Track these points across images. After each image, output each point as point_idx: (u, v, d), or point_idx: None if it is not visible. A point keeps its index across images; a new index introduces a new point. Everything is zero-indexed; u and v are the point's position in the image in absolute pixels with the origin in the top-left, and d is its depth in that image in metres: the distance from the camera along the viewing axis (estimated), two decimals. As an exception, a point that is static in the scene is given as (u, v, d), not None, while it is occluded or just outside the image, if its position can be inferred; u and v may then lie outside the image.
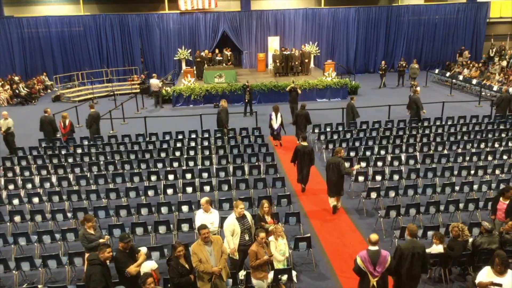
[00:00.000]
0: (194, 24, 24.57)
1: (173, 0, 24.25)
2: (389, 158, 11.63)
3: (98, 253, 5.97)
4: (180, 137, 13.40)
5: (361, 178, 10.37)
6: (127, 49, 24.93)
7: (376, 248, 5.92)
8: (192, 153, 12.13)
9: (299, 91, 16.21)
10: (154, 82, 19.64)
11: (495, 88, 19.43)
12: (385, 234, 8.73)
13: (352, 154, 11.85)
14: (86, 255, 6.82)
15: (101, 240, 6.98)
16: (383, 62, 22.99)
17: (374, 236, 5.96)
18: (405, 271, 6.13)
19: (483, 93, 18.88)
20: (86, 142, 13.21)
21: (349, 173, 9.52)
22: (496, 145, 12.41)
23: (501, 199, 7.82)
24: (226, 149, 12.53)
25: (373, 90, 21.82)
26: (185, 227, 8.31)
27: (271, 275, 6.64)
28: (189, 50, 23.59)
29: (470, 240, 7.21)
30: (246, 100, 17.28)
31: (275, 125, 13.67)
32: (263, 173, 10.94)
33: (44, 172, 11.15)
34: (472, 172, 10.57)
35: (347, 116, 14.49)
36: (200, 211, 7.46)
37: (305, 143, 10.17)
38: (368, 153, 11.91)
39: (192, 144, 12.85)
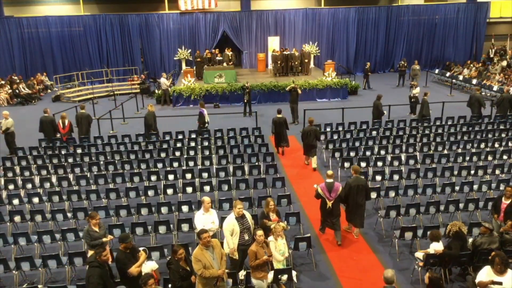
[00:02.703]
0: (194, 24, 24.57)
1: (173, 0, 24.25)
2: (389, 158, 11.63)
3: (95, 255, 5.98)
4: (180, 137, 13.41)
5: (361, 178, 10.37)
6: (127, 49, 24.93)
7: (331, 180, 8.28)
8: (192, 153, 12.13)
9: (299, 91, 16.21)
10: (163, 81, 19.74)
11: (495, 88, 19.43)
12: (385, 234, 8.73)
13: (352, 154, 11.84)
14: (89, 252, 6.84)
15: (104, 239, 7.00)
16: (368, 63, 22.87)
17: (330, 172, 8.38)
18: (353, 199, 8.35)
19: (483, 93, 18.88)
20: (86, 142, 13.21)
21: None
22: (496, 145, 12.41)
23: (503, 199, 7.83)
24: (226, 149, 12.53)
25: (373, 90, 21.80)
26: (185, 227, 8.31)
27: (271, 275, 6.64)
28: (189, 50, 23.58)
29: (470, 240, 7.22)
30: (245, 101, 17.27)
31: (209, 119, 14.19)
32: (263, 173, 10.95)
33: (44, 172, 11.15)
34: (472, 172, 10.56)
35: (420, 111, 14.96)
36: (200, 212, 7.46)
37: (280, 115, 12.79)
38: (368, 153, 11.91)
39: (192, 144, 12.85)
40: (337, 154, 11.91)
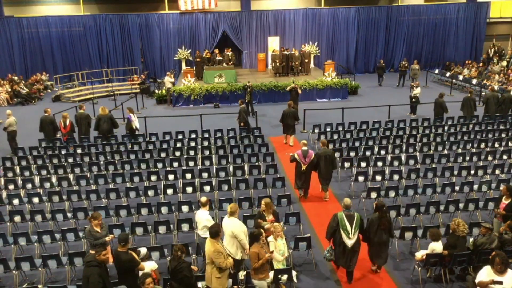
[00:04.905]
0: (194, 24, 24.55)
1: (173, 0, 24.25)
2: (389, 158, 11.63)
3: (94, 254, 5.98)
4: (180, 137, 13.40)
5: (361, 178, 10.37)
6: (127, 49, 24.92)
7: (306, 148, 10.01)
8: (192, 153, 12.12)
9: (299, 91, 16.21)
10: (167, 79, 19.79)
11: (495, 88, 19.39)
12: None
13: (352, 154, 11.84)
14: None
15: (106, 238, 7.02)
16: (381, 61, 23.24)
17: (304, 141, 10.17)
18: (322, 167, 10.04)
19: (483, 93, 18.86)
20: (86, 142, 13.21)
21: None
22: (496, 145, 12.41)
23: (503, 199, 7.84)
24: (226, 149, 12.54)
25: (373, 90, 21.82)
26: (185, 227, 8.31)
27: (271, 274, 6.64)
28: (189, 50, 23.59)
29: (471, 240, 7.22)
30: (247, 101, 17.26)
31: (138, 124, 13.76)
32: (263, 173, 10.95)
33: (44, 172, 11.15)
34: (472, 172, 10.57)
35: (467, 110, 14.81)
36: (203, 210, 7.46)
37: (243, 105, 14.28)
38: (368, 153, 11.91)
39: (192, 144, 12.85)
40: (337, 154, 11.90)
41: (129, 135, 13.44)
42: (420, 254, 7.22)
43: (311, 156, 9.91)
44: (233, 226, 6.71)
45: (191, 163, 11.43)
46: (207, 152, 12.21)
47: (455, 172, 10.55)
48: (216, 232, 6.11)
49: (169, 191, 9.83)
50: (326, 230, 7.27)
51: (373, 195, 9.49)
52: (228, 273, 6.28)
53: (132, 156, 11.95)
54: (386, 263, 7.80)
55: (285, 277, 6.72)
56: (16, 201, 9.67)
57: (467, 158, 11.50)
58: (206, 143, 12.80)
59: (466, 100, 14.81)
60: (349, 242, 6.98)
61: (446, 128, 13.81)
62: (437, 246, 6.95)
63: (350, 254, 7.07)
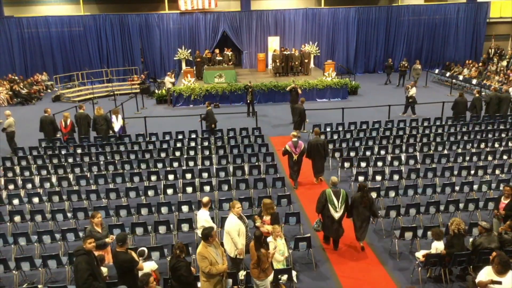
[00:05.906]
0: (194, 24, 24.57)
1: (173, 0, 24.26)
2: (389, 158, 11.62)
3: (83, 243, 6.02)
4: (180, 137, 13.40)
5: (361, 178, 10.36)
6: (127, 49, 24.93)
7: (296, 139, 10.57)
8: (192, 153, 12.12)
9: (299, 91, 16.21)
10: (167, 79, 19.81)
11: (498, 88, 19.37)
12: (385, 234, 8.73)
13: (352, 154, 11.84)
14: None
15: (107, 239, 7.01)
16: (389, 59, 23.51)
17: (295, 133, 10.93)
18: (314, 156, 10.67)
19: (483, 93, 18.87)
20: (86, 142, 13.21)
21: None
22: (496, 145, 12.41)
23: (502, 198, 7.84)
24: (226, 149, 12.54)
25: (373, 90, 21.81)
26: (185, 227, 8.31)
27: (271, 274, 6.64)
28: (189, 50, 23.60)
29: (471, 239, 7.22)
30: (248, 101, 17.24)
31: (116, 128, 13.52)
32: (263, 173, 10.95)
33: (44, 172, 11.15)
34: (472, 172, 10.56)
35: (472, 109, 14.95)
36: (203, 210, 7.46)
37: (209, 108, 13.89)
38: (368, 153, 11.90)
39: (192, 144, 12.85)
40: (337, 154, 11.91)
41: (109, 136, 13.40)
42: (421, 254, 7.22)
43: (301, 146, 10.51)
44: (228, 223, 6.80)
45: (191, 163, 11.43)
46: (207, 152, 12.21)
47: (455, 172, 10.55)
48: (205, 235, 5.94)
49: (169, 191, 9.83)
50: (316, 205, 8.09)
51: (373, 195, 9.47)
52: (218, 281, 6.03)
53: (132, 156, 11.95)
54: (386, 263, 7.86)
55: (285, 277, 6.72)
56: (16, 201, 9.66)
57: (467, 158, 11.50)
58: (206, 143, 12.80)
59: (476, 100, 14.80)
60: (336, 215, 7.90)
61: (446, 128, 13.81)
62: (439, 246, 6.96)
63: (337, 225, 7.99)
